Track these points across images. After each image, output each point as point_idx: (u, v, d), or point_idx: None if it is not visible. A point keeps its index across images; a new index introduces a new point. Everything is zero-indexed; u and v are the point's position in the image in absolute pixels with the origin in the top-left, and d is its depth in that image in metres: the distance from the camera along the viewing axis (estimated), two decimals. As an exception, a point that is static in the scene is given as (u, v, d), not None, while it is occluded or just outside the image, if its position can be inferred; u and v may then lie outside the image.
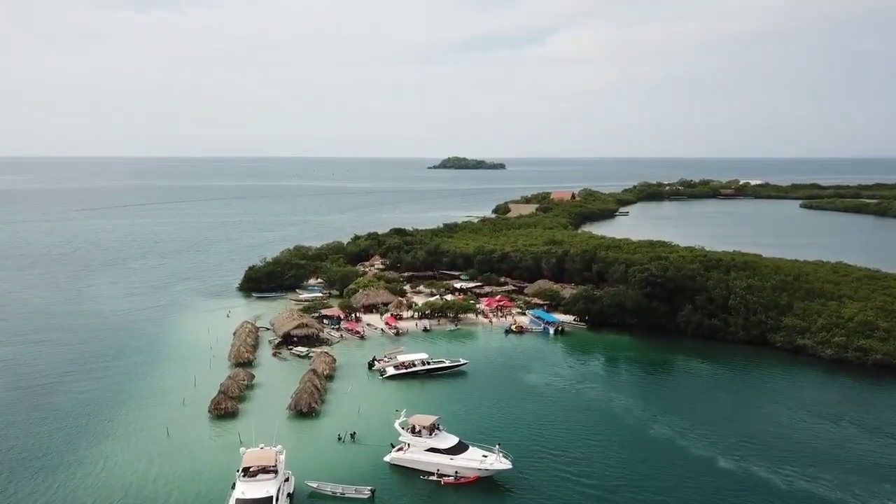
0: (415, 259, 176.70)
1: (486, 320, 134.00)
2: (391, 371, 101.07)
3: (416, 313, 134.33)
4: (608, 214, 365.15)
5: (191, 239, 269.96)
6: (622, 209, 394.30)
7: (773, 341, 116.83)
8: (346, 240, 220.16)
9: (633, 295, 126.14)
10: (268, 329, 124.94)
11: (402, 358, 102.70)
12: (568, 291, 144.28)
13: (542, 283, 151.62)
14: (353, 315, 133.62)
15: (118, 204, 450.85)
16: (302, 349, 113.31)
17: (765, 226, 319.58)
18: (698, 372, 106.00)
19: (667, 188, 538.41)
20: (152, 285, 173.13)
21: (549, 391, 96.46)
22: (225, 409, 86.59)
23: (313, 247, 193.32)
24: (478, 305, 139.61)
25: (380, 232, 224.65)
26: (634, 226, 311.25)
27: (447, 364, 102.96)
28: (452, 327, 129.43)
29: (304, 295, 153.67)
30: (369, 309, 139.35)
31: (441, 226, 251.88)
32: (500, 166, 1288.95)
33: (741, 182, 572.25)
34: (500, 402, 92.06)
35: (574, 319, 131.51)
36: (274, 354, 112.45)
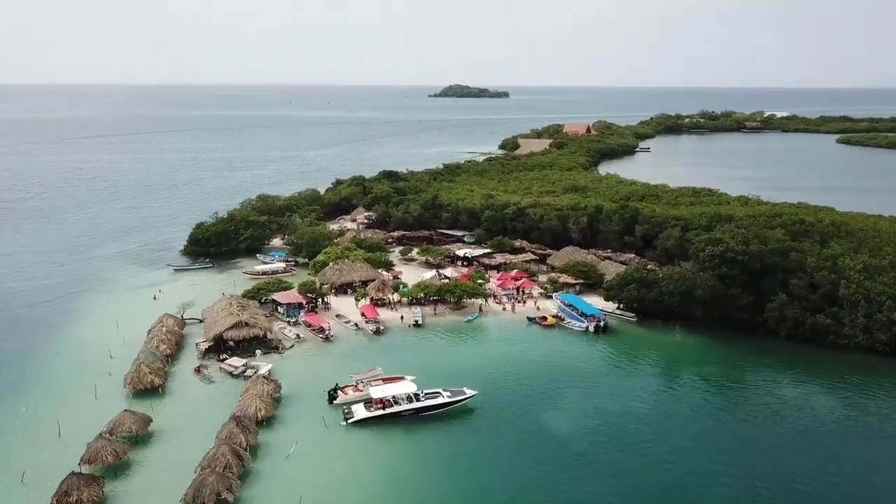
0: (407, 215, 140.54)
1: (497, 306, 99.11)
2: (361, 413, 66.70)
3: (405, 298, 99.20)
4: (628, 150, 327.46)
5: (150, 180, 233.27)
6: (642, 144, 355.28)
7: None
8: (331, 182, 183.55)
9: (705, 279, 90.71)
10: (201, 322, 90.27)
11: (376, 391, 67.94)
12: (609, 266, 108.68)
13: (572, 253, 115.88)
14: (319, 301, 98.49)
15: (89, 135, 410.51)
16: (237, 362, 78.73)
17: (808, 166, 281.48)
18: (808, 401, 71.55)
19: (686, 121, 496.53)
20: (76, 246, 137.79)
21: (594, 451, 62.17)
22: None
23: (282, 196, 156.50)
24: (488, 285, 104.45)
25: (370, 174, 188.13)
26: (660, 164, 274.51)
27: (445, 399, 68.44)
28: (469, 318, 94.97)
29: (260, 266, 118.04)
30: (342, 289, 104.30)
31: (440, 167, 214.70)
32: (504, 95, 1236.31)
33: (766, 114, 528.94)
34: (523, 481, 57.95)
35: (618, 307, 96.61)
36: (197, 370, 77.95)
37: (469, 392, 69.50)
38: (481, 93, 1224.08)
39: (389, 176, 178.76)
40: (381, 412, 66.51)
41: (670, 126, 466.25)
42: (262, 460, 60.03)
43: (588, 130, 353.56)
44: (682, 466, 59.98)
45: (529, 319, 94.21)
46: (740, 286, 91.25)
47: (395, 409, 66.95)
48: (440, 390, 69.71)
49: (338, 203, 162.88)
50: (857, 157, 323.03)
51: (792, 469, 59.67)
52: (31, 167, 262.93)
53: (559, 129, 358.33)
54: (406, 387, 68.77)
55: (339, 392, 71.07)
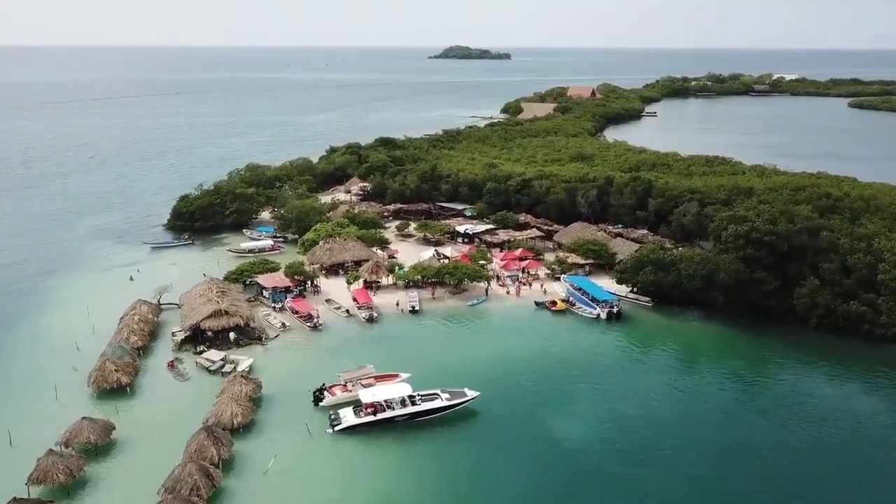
0: (404, 187, 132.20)
1: (501, 289, 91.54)
2: (349, 419, 59.46)
3: (401, 281, 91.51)
4: (634, 115, 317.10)
5: (140, 147, 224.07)
6: (648, 109, 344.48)
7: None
8: (326, 150, 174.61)
9: (728, 262, 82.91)
10: (180, 307, 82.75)
11: (366, 395, 60.56)
12: (620, 245, 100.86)
13: (581, 229, 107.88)
14: (308, 285, 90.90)
15: (79, 99, 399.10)
16: (214, 356, 71.38)
17: (821, 131, 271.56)
18: (848, 402, 64.32)
19: (693, 84, 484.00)
20: (54, 220, 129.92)
21: (611, 464, 55.10)
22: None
23: (272, 166, 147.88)
24: (491, 265, 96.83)
25: (367, 140, 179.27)
26: (668, 130, 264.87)
27: (443, 403, 61.15)
28: (473, 301, 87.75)
29: (246, 243, 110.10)
30: (334, 270, 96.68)
31: (440, 132, 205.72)
32: (506, 56, 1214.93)
33: (775, 77, 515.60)
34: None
35: (630, 290, 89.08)
36: (171, 365, 70.64)
37: (470, 394, 62.23)
38: (482, 54, 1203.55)
39: (386, 143, 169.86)
40: (371, 418, 59.29)
41: (677, 89, 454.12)
42: (237, 477, 52.95)
43: (593, 94, 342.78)
44: (714, 483, 53.09)
45: (537, 304, 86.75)
46: (766, 269, 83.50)
47: (388, 414, 59.77)
48: (438, 392, 62.44)
49: (331, 173, 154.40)
50: (871, 122, 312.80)
51: (838, 488, 52.64)
52: (15, 133, 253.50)
53: (563, 92, 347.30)
54: (400, 389, 61.50)
55: (325, 393, 63.83)
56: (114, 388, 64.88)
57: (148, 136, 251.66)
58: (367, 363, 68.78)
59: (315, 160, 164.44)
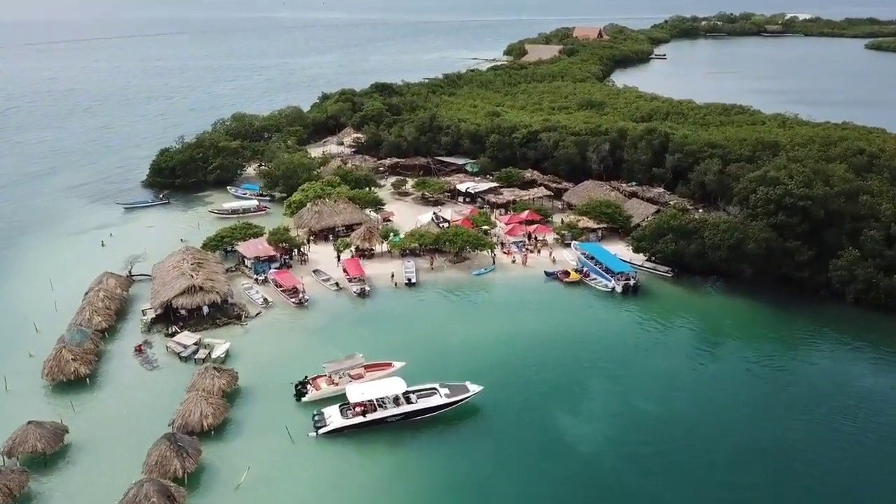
0: (400, 139, 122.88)
1: (506, 257, 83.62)
2: (335, 420, 52.25)
3: (395, 249, 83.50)
4: (643, 58, 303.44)
5: (128, 93, 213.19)
6: (657, 51, 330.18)
7: None
8: (318, 96, 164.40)
9: (758, 230, 74.70)
10: (152, 280, 74.91)
11: (355, 392, 53.15)
12: (636, 206, 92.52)
13: (592, 188, 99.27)
14: (295, 253, 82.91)
15: (67, 40, 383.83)
16: (187, 340, 63.95)
17: (839, 75, 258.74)
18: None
19: (703, 24, 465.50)
20: (26, 175, 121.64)
21: (631, 476, 48.13)
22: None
23: (260, 115, 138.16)
24: (494, 230, 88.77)
25: (363, 84, 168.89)
26: (678, 75, 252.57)
27: (441, 401, 53.87)
28: (480, 271, 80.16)
29: (229, 203, 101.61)
30: (323, 235, 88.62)
31: (440, 77, 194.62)
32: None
33: (788, 16, 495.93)
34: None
35: (647, 259, 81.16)
36: (138, 350, 63.28)
37: (472, 389, 54.94)
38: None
39: (382, 89, 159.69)
40: (360, 419, 52.11)
41: (686, 30, 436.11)
42: (204, 495, 46.11)
43: (599, 35, 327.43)
44: (744, 495, 46.16)
45: (548, 275, 78.95)
46: (799, 238, 75.37)
47: (379, 414, 52.59)
48: (436, 386, 55.16)
49: (324, 122, 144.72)
50: (890, 65, 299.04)
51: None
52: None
53: (569, 33, 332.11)
54: (392, 384, 54.13)
55: (309, 386, 56.58)
56: (71, 381, 57.67)
57: (137, 80, 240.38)
58: (356, 350, 61.19)
59: (308, 107, 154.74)
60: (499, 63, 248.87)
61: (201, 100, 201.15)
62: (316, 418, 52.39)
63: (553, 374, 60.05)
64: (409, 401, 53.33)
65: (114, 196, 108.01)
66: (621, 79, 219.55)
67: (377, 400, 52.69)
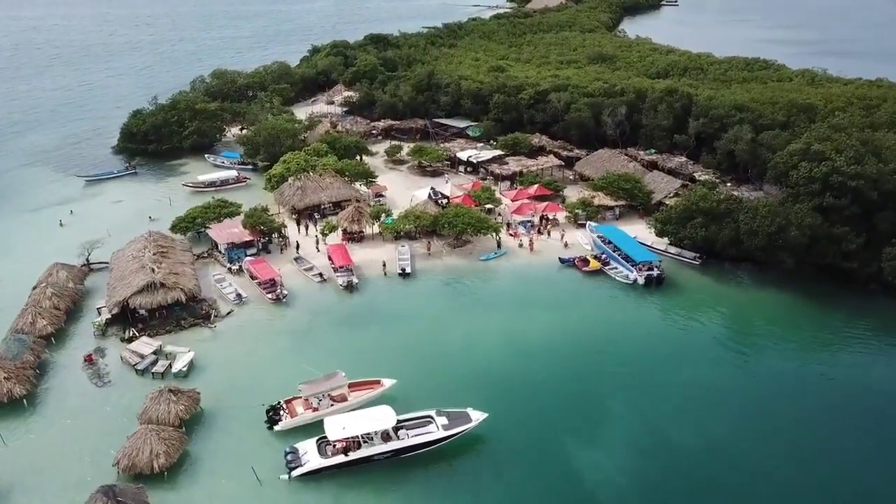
0: (395, 99, 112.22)
1: (513, 239, 74.40)
2: (312, 460, 43.73)
3: (388, 232, 74.20)
4: (653, 3, 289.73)
5: (109, 43, 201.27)
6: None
7: None
8: (308, 49, 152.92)
9: (802, 214, 65.24)
10: (110, 272, 65.69)
11: (334, 428, 44.34)
12: (657, 180, 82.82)
13: (609, 158, 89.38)
14: (274, 237, 73.55)
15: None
16: (144, 348, 55.24)
17: (861, 23, 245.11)
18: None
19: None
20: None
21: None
22: None
23: (244, 72, 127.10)
24: (499, 208, 79.38)
25: (357, 35, 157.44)
26: (692, 23, 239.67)
27: (438, 434, 45.27)
28: (489, 255, 71.41)
29: (205, 175, 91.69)
30: (307, 214, 79.19)
31: (440, 26, 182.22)
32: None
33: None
34: None
35: (668, 242, 71.95)
36: (88, 360, 54.65)
37: (474, 417, 46.33)
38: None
39: (377, 41, 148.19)
40: (342, 459, 43.66)
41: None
42: (148, 564, 37.88)
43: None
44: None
45: (562, 262, 69.80)
46: (847, 223, 66.00)
47: (365, 452, 44.10)
48: (432, 415, 46.57)
49: (313, 78, 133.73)
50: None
51: None
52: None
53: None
54: (379, 417, 45.23)
55: (282, 411, 48.06)
56: (3, 404, 49.14)
57: (123, 30, 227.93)
58: (342, 358, 53.14)
59: (298, 61, 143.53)
60: (503, 11, 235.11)
61: (189, 52, 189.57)
62: (289, 456, 43.91)
63: (568, 390, 51.54)
64: (398, 435, 44.78)
65: (79, 165, 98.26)
66: (631, 28, 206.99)
67: (362, 435, 44.09)
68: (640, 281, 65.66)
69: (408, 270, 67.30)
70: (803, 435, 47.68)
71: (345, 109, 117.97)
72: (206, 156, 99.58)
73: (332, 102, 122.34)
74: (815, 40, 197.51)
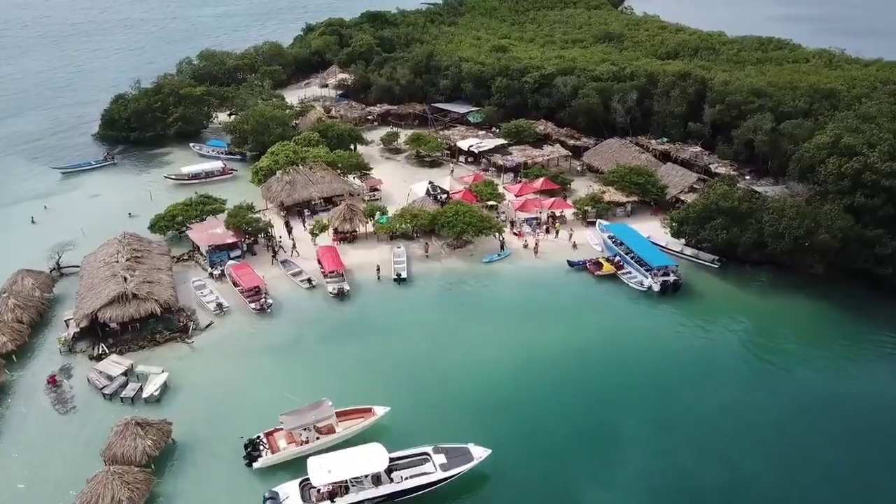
0: (392, 82, 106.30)
1: (518, 240, 69.18)
2: (292, 510, 39.03)
3: (382, 231, 68.94)
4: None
5: (100, 20, 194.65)
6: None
7: None
8: (301, 28, 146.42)
9: (833, 215, 59.95)
10: (81, 278, 60.59)
11: (318, 472, 39.36)
12: (671, 173, 77.34)
13: (619, 149, 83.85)
14: (262, 237, 68.23)
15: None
16: (113, 368, 50.34)
17: (875, 3, 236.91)
18: None
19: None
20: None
21: None
22: None
23: (233, 53, 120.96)
24: (502, 203, 74.00)
25: (354, 12, 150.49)
26: (697, 2, 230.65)
27: (437, 476, 40.44)
28: (493, 257, 66.45)
29: (189, 167, 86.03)
30: (296, 211, 73.89)
31: (440, 2, 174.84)
32: None
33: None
34: None
35: (685, 243, 66.79)
36: (52, 382, 49.79)
37: (476, 454, 41.50)
38: None
39: (374, 19, 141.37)
40: (326, 506, 38.91)
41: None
42: None
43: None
44: None
45: (571, 265, 64.62)
46: (881, 224, 60.76)
47: (352, 498, 39.31)
48: (428, 451, 41.73)
49: (307, 59, 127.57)
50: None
51: None
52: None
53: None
54: (369, 457, 40.15)
55: (261, 446, 43.22)
56: (-54, 439, 44.37)
57: (118, 6, 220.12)
58: (329, 377, 48.66)
59: (292, 40, 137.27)
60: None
61: (182, 30, 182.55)
62: (268, 502, 39.08)
63: (579, 419, 46.66)
64: (390, 477, 39.96)
65: (57, 155, 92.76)
66: (638, 4, 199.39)
67: (350, 479, 39.27)
68: (656, 288, 60.51)
69: (403, 276, 62.19)
70: (840, 475, 42.79)
71: (339, 93, 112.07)
72: (191, 144, 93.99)
73: (325, 85, 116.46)
74: (829, 16, 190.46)
